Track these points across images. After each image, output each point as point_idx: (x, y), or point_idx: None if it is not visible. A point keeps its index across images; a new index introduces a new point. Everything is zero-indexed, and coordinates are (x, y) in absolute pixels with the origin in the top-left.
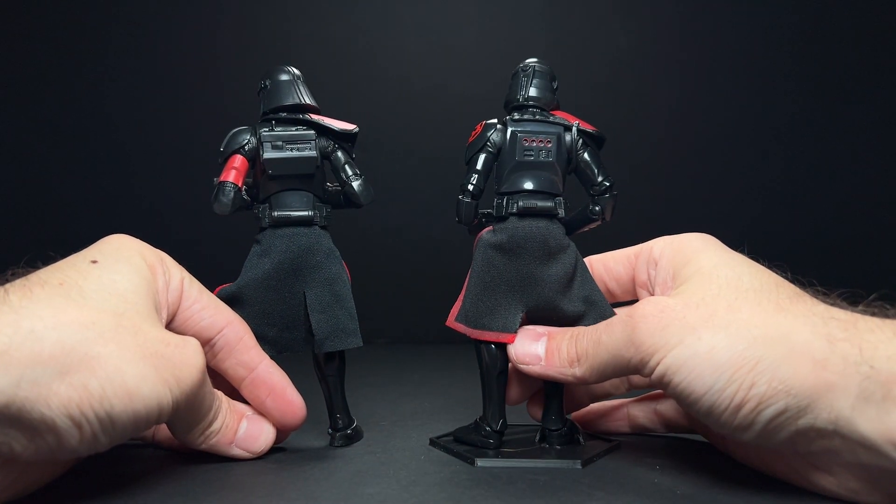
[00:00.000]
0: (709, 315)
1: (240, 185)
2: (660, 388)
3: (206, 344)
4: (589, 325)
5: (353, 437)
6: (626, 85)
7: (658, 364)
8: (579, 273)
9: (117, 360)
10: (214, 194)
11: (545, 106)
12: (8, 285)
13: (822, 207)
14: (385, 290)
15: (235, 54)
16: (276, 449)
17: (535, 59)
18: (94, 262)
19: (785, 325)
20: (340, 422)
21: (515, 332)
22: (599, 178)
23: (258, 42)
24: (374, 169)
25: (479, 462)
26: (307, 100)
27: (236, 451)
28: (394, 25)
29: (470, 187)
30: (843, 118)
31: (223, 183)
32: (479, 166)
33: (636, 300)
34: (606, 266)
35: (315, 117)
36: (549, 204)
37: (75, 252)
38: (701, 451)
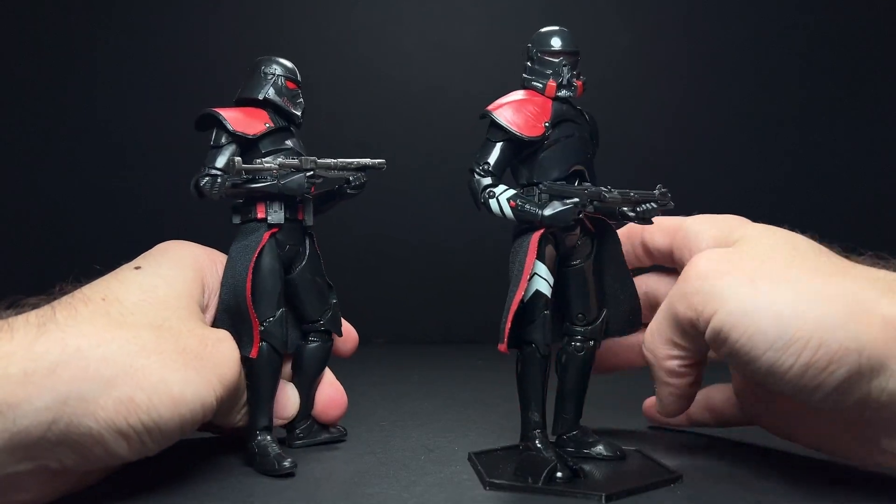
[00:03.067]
0: (767, 268)
1: None
2: (713, 344)
3: None
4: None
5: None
6: (626, 84)
7: (712, 317)
8: (510, 275)
9: (160, 369)
10: None
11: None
12: (55, 303)
13: (825, 206)
14: (385, 290)
15: (235, 54)
16: None
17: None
18: (138, 268)
19: (849, 283)
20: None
21: None
22: None
23: (258, 42)
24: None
25: (489, 485)
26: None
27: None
28: (394, 25)
29: None
30: (848, 115)
31: None
32: None
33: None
34: (651, 234)
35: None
36: None
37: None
38: (705, 447)
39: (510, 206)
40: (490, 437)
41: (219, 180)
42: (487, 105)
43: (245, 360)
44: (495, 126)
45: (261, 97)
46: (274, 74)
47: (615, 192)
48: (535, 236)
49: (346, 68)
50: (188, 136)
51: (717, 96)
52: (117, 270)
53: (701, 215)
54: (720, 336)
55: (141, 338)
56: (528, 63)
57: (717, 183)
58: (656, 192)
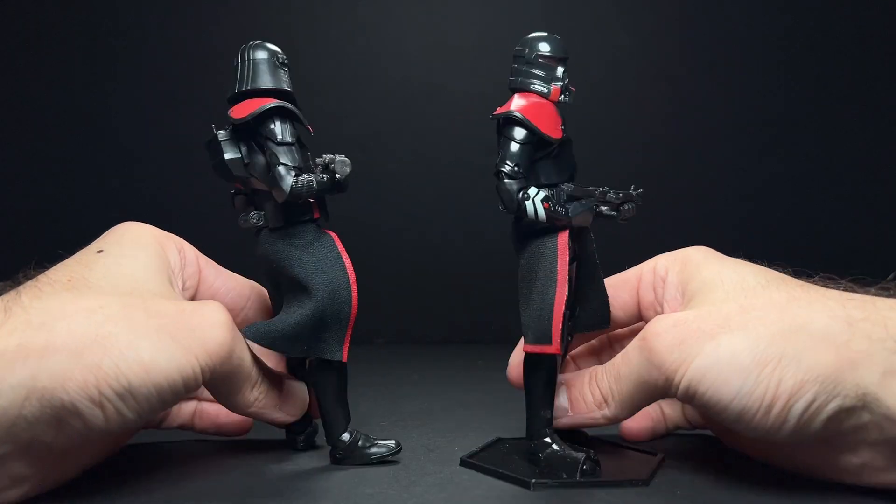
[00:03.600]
0: (723, 320)
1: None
2: (686, 402)
3: (239, 314)
4: (528, 341)
5: (307, 444)
6: (626, 84)
7: (682, 379)
8: (532, 277)
9: (128, 335)
10: None
11: (513, 92)
12: (20, 287)
13: (822, 208)
14: (385, 290)
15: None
16: (276, 449)
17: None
18: (100, 251)
19: (801, 314)
20: (326, 438)
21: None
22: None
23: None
24: (374, 168)
25: (533, 486)
26: (252, 84)
27: (280, 415)
28: (394, 25)
29: None
30: (844, 118)
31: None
32: None
33: (640, 324)
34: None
35: (234, 109)
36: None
37: (80, 248)
38: (705, 448)
39: (544, 208)
40: (490, 437)
41: (315, 180)
42: (488, 104)
43: (329, 366)
44: (521, 127)
45: (288, 88)
46: (281, 61)
47: (611, 193)
48: (564, 238)
49: (346, 68)
50: (189, 135)
51: (718, 97)
52: (79, 254)
53: (663, 255)
54: (689, 392)
55: (108, 307)
56: (525, 67)
57: (714, 183)
58: (633, 192)
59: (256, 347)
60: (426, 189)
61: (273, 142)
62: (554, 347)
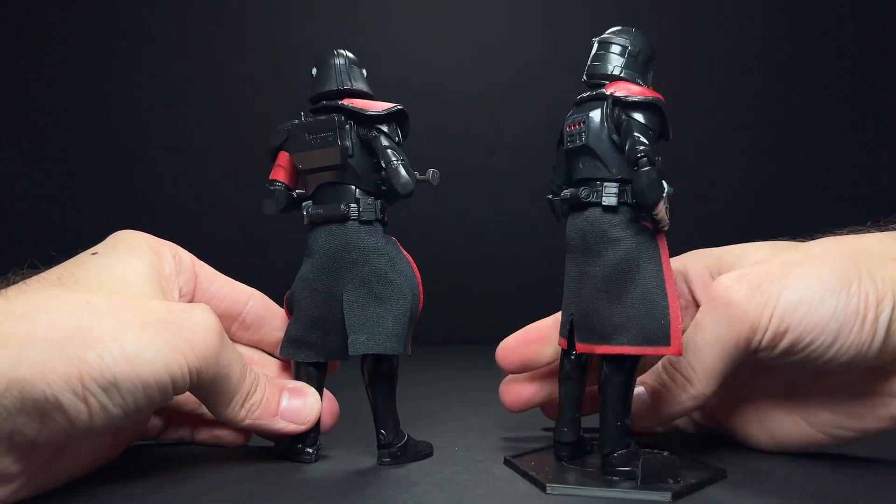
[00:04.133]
0: (786, 261)
1: (288, 182)
2: (772, 346)
3: (236, 319)
4: (626, 342)
5: (404, 456)
6: None
7: (771, 318)
8: (631, 276)
9: (113, 329)
10: (264, 194)
11: (601, 80)
12: (10, 286)
13: (822, 206)
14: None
15: (236, 54)
16: (276, 449)
17: (611, 30)
18: (94, 253)
19: (857, 244)
20: (382, 437)
21: (566, 338)
22: (626, 150)
23: (258, 41)
24: None
25: (550, 489)
26: (350, 84)
27: (281, 425)
28: (394, 25)
29: (552, 184)
30: (844, 116)
31: (270, 181)
32: (556, 162)
33: None
34: None
35: (349, 102)
36: (584, 192)
37: (77, 249)
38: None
39: (668, 204)
40: (490, 437)
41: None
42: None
43: (391, 363)
44: (659, 117)
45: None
46: (359, 65)
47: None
48: (664, 240)
49: None
50: (188, 135)
51: (716, 97)
52: (74, 258)
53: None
54: (780, 329)
55: (93, 302)
56: (647, 62)
57: (714, 183)
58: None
59: (258, 357)
60: (426, 189)
61: (392, 140)
62: (674, 349)
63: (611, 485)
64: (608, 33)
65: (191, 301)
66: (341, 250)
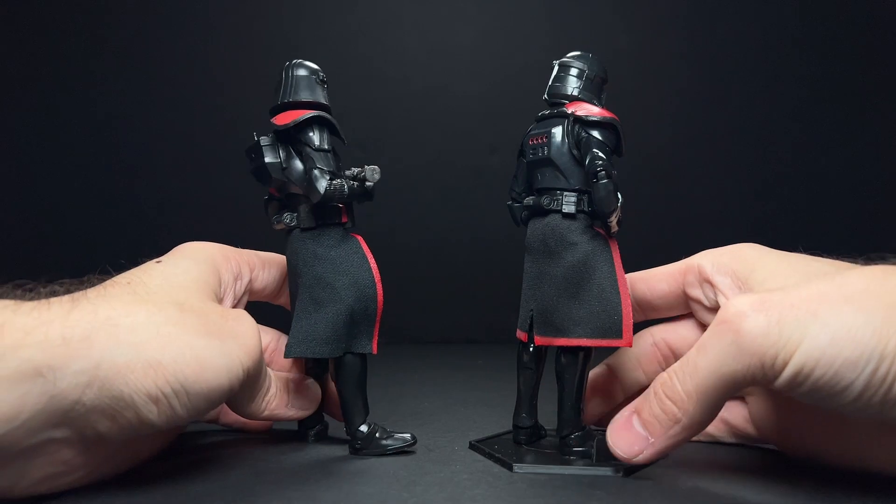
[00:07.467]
0: (818, 297)
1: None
2: (788, 390)
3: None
4: (583, 335)
5: (366, 449)
6: (625, 85)
7: (786, 364)
8: (588, 275)
9: (185, 336)
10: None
11: (561, 99)
12: (88, 289)
13: (823, 206)
14: (384, 290)
15: (236, 55)
16: (275, 450)
17: (570, 54)
18: (159, 261)
19: (886, 280)
20: (347, 430)
21: (525, 331)
22: (586, 163)
23: (258, 42)
24: None
25: (517, 468)
26: (293, 97)
27: (292, 412)
28: (394, 25)
29: (511, 192)
30: (846, 115)
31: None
32: (516, 171)
33: (681, 316)
34: (649, 285)
35: (276, 119)
36: (546, 200)
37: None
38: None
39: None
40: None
41: (346, 185)
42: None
43: (357, 359)
44: (614, 134)
45: (326, 102)
46: (321, 78)
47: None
48: (616, 244)
49: (346, 69)
50: (188, 135)
51: (716, 97)
52: (141, 265)
53: (708, 252)
54: (798, 378)
55: (165, 311)
56: (601, 84)
57: (714, 183)
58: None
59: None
60: (426, 189)
61: (311, 147)
62: (626, 341)
63: (568, 463)
64: (568, 57)
65: (238, 302)
66: (292, 258)
